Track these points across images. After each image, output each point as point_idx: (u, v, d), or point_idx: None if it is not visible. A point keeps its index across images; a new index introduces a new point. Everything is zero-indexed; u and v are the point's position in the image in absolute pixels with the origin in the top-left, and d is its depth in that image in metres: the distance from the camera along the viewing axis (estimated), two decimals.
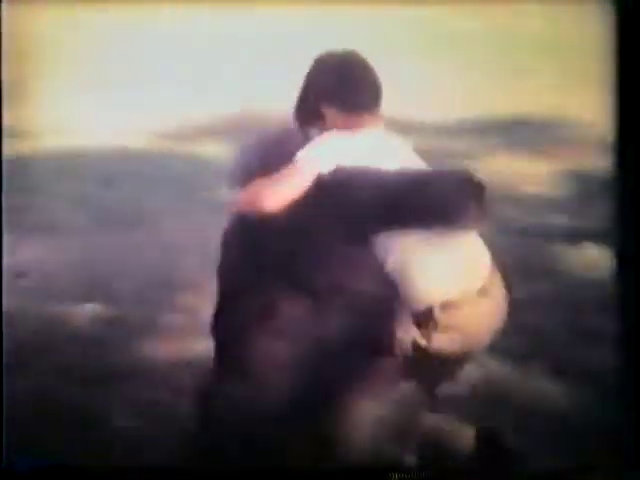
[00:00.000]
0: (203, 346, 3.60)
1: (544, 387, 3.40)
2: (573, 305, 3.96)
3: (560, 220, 5.13)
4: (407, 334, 2.51)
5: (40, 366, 3.56)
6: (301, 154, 2.55)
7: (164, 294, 4.15)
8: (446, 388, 2.75)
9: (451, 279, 2.50)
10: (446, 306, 2.49)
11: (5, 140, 3.02)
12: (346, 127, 2.63)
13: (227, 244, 2.65)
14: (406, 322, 2.51)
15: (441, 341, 2.51)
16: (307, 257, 2.53)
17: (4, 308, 3.06)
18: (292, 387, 2.52)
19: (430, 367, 2.58)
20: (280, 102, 7.48)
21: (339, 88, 2.64)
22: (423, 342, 2.51)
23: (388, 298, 2.51)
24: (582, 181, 5.44)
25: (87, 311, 4.07)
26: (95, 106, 8.15)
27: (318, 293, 2.52)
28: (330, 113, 2.65)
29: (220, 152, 6.46)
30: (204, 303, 3.94)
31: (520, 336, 3.34)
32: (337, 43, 2.68)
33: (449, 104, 7.67)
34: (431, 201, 2.50)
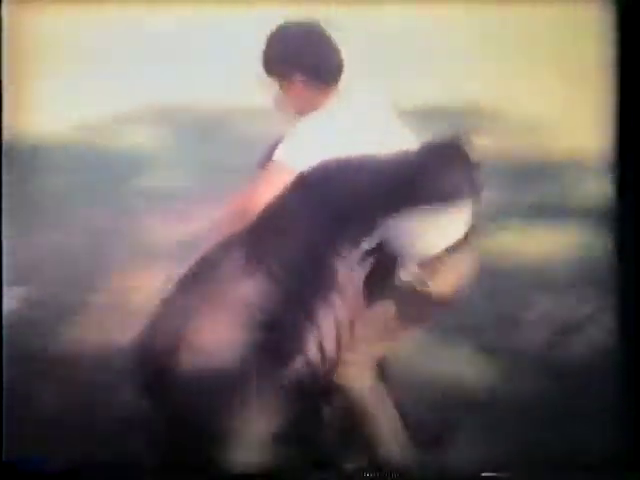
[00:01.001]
0: (132, 329, 3.61)
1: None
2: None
3: None
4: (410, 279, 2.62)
5: None
6: (279, 152, 2.57)
7: (93, 278, 4.12)
8: None
9: (446, 232, 2.64)
10: (448, 252, 2.62)
11: None
12: (312, 97, 2.65)
13: None
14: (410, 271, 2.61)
15: (437, 282, 2.63)
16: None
17: None
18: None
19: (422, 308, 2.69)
20: (203, 93, 7.44)
21: (313, 57, 2.65)
22: (421, 283, 2.62)
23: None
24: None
25: (14, 294, 4.02)
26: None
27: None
28: (299, 81, 2.65)
29: (143, 141, 6.41)
30: (133, 287, 3.95)
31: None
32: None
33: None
34: (427, 184, 2.57)
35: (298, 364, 2.54)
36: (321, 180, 2.54)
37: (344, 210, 2.54)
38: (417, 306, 2.67)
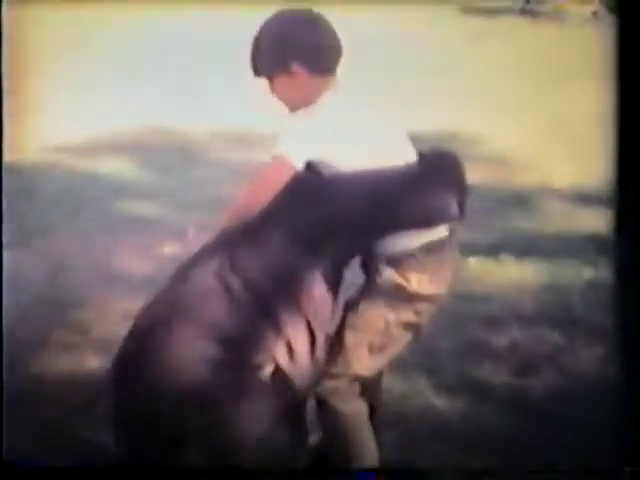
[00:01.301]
0: (95, 363, 3.58)
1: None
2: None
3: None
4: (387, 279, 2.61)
5: None
6: (280, 146, 2.50)
7: (54, 311, 4.08)
8: None
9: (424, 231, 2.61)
10: (423, 249, 2.60)
11: None
12: (309, 89, 2.56)
13: None
14: (382, 268, 2.60)
15: (420, 281, 2.61)
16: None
17: None
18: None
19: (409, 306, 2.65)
20: (184, 119, 7.41)
21: (314, 48, 2.55)
22: (403, 282, 2.60)
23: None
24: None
25: None
26: None
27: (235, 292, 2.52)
28: (300, 72, 2.55)
29: (118, 168, 6.37)
30: (95, 319, 3.93)
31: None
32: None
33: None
34: (416, 209, 2.58)
35: (267, 370, 2.52)
36: (312, 192, 2.53)
37: (329, 226, 2.53)
38: (404, 304, 2.62)
